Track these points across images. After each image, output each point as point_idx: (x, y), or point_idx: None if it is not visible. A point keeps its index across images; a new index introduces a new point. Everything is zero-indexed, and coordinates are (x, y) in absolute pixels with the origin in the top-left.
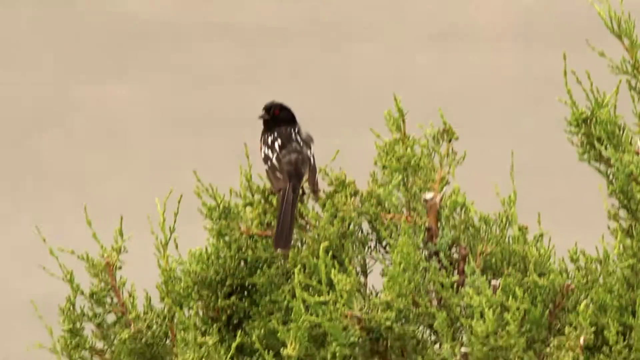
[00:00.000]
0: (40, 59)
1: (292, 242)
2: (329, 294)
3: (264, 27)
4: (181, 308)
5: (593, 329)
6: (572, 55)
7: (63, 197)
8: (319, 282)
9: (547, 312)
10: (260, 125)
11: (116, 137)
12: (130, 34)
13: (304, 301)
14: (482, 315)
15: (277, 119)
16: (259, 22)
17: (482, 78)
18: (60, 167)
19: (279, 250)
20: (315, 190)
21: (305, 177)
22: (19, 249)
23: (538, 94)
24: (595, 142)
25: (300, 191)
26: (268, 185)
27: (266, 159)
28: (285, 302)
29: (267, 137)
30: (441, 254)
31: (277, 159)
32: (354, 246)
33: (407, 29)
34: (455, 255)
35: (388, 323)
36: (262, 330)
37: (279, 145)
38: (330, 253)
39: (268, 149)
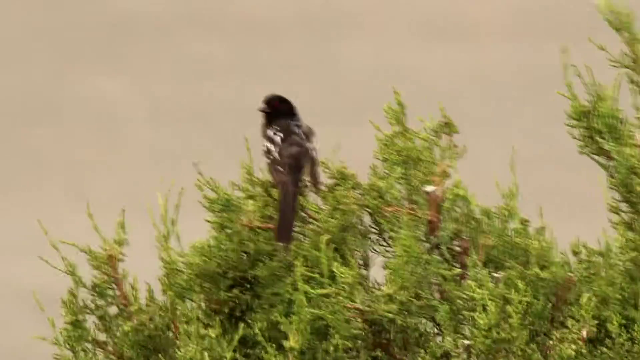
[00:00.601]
0: (35, 53)
1: (294, 235)
2: (331, 287)
3: (257, 20)
4: (183, 300)
5: (595, 321)
6: (563, 47)
7: (60, 189)
8: (321, 274)
9: (549, 304)
10: (257, 118)
11: (112, 129)
12: (124, 27)
13: (306, 294)
14: (484, 307)
15: (278, 111)
16: (252, 15)
17: (477, 72)
18: (57, 160)
19: (280, 244)
20: (316, 183)
21: (306, 170)
22: (17, 241)
23: (534, 87)
24: (596, 136)
25: (302, 184)
26: (269, 178)
27: (267, 152)
28: (288, 295)
29: (268, 131)
30: (443, 247)
31: (279, 152)
32: (356, 239)
33: (400, 22)
34: (457, 248)
35: (390, 315)
36: (265, 323)
37: (280, 139)
38: (332, 246)
39: (269, 142)
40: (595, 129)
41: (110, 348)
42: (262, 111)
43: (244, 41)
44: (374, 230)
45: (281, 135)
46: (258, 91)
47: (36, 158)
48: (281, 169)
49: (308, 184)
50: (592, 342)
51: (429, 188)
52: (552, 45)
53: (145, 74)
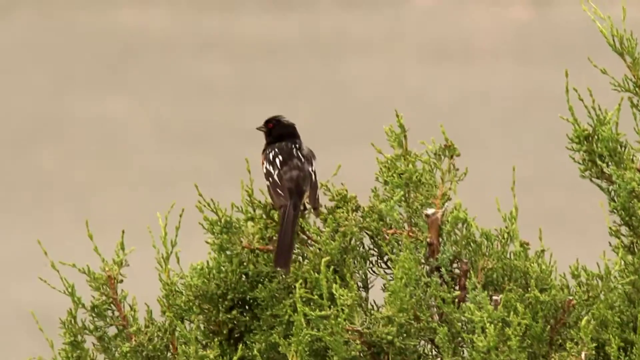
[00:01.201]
0: (39, 72)
1: (292, 260)
2: (330, 309)
3: (261, 40)
4: (182, 321)
5: (594, 344)
6: (563, 71)
7: (61, 209)
8: (321, 296)
9: (548, 327)
10: (259, 140)
11: (114, 150)
12: (127, 47)
13: (305, 315)
14: (483, 330)
15: (279, 132)
16: (256, 36)
17: (478, 94)
18: (59, 180)
19: (278, 269)
20: (315, 207)
21: (307, 194)
22: (17, 261)
23: (534, 109)
24: (597, 159)
25: (302, 207)
26: (269, 200)
27: (268, 175)
28: (287, 316)
29: (269, 153)
30: (442, 269)
31: (279, 175)
32: (356, 261)
33: (403, 44)
34: (457, 271)
35: (389, 337)
36: (264, 344)
37: (280, 162)
38: (331, 268)
39: (269, 164)
40: (597, 152)
41: None
42: (261, 130)
43: (247, 62)
44: (373, 252)
45: (281, 157)
46: (261, 112)
47: (37, 178)
48: (281, 193)
49: (308, 207)
50: None
51: (430, 211)
52: (554, 69)
53: (148, 94)
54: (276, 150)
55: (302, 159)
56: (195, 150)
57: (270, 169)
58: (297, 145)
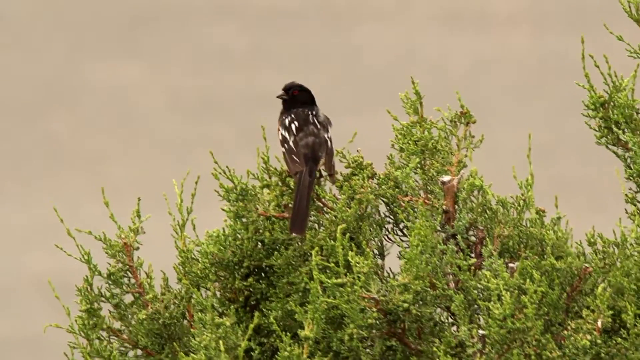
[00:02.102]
0: (53, 39)
1: (308, 226)
2: (346, 276)
3: (275, 8)
4: (198, 289)
5: (610, 312)
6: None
7: (75, 177)
8: (337, 264)
9: (564, 295)
10: (274, 107)
11: (128, 117)
12: (142, 15)
13: (321, 283)
14: (499, 297)
15: (296, 100)
16: (270, 3)
17: (493, 61)
18: (72, 147)
19: (294, 235)
20: (331, 173)
21: (322, 160)
22: (32, 229)
23: (550, 76)
24: (613, 126)
25: (317, 174)
26: (285, 167)
27: (283, 141)
28: (303, 284)
29: (285, 119)
30: (458, 237)
31: (295, 142)
32: (371, 228)
33: (418, 10)
34: (473, 238)
35: (405, 305)
36: (280, 312)
37: (295, 128)
38: (347, 235)
39: (285, 130)
40: (613, 119)
41: (125, 336)
42: (281, 98)
43: (262, 30)
44: (389, 220)
45: (297, 124)
46: (275, 80)
47: (52, 146)
48: (297, 159)
49: (324, 174)
50: (607, 332)
51: (446, 178)
52: (570, 35)
53: (162, 61)
54: (292, 116)
55: (318, 126)
56: (209, 118)
57: (286, 135)
58: (314, 112)
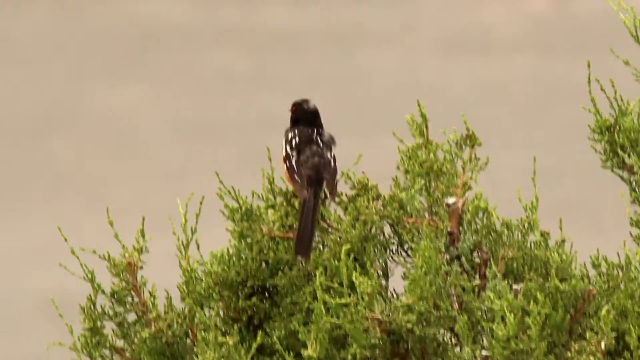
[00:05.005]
0: (55, 61)
1: (312, 249)
2: (350, 296)
3: (279, 32)
4: (202, 308)
5: (614, 334)
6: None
7: (78, 199)
8: (341, 284)
9: (568, 316)
10: (277, 130)
11: (131, 140)
12: (145, 37)
13: (325, 303)
14: (503, 319)
15: (301, 117)
16: (274, 27)
17: (498, 86)
18: (76, 170)
19: (299, 258)
20: (332, 192)
21: (326, 181)
22: (35, 249)
23: (555, 101)
24: (619, 150)
25: (322, 195)
26: (290, 187)
27: (286, 157)
28: (306, 304)
29: (289, 136)
30: (463, 258)
31: (297, 161)
32: (376, 249)
33: (421, 35)
34: (477, 260)
35: (409, 325)
36: (283, 331)
37: (297, 146)
38: (352, 256)
39: (289, 147)
40: (618, 143)
41: (128, 355)
42: (290, 112)
43: (266, 53)
44: (394, 241)
45: (299, 141)
46: (279, 103)
47: (57, 167)
48: (298, 180)
49: (327, 193)
50: (611, 354)
51: (450, 200)
52: (574, 61)
53: (166, 85)
54: (296, 132)
55: (321, 145)
56: (213, 141)
57: (290, 151)
58: (319, 131)
